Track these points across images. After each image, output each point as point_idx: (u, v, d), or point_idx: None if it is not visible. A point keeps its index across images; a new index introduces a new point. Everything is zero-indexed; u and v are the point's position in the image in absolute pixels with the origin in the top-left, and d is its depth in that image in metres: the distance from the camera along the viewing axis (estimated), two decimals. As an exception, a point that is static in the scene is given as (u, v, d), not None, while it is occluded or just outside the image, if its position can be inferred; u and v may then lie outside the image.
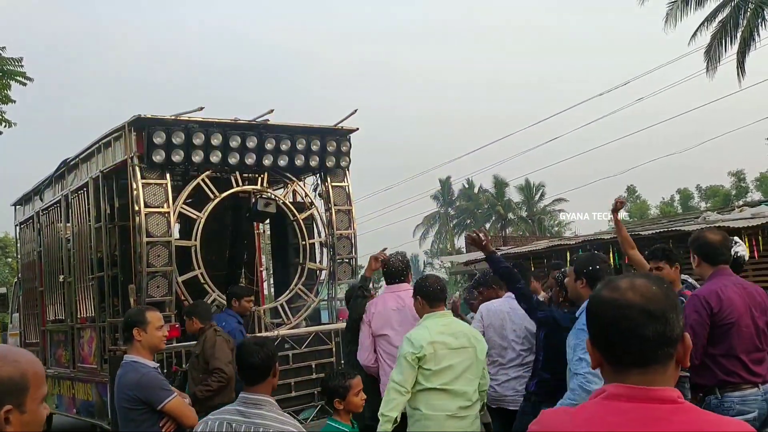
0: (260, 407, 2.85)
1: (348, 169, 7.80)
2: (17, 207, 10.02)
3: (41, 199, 8.97)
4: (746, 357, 3.65)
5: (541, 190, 53.98)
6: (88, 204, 7.41)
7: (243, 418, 2.81)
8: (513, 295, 4.43)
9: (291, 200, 7.84)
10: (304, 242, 7.60)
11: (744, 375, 3.65)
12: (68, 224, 8.05)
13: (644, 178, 70.96)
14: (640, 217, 45.62)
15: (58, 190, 8.37)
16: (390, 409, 3.81)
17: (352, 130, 7.67)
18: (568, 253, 16.25)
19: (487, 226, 52.47)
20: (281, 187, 7.92)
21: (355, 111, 7.48)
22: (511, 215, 53.36)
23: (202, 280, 6.89)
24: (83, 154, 7.57)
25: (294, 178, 7.63)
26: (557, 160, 51.73)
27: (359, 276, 7.10)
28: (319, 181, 7.83)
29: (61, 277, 8.17)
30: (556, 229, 53.04)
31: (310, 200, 7.78)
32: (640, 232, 16.17)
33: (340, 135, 7.60)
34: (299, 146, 7.29)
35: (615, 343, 1.43)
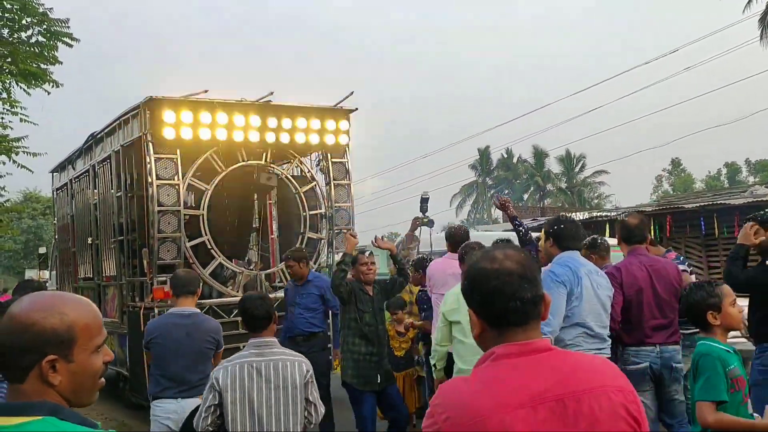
0: (272, 347, 3.55)
1: (348, 147, 8.35)
2: (54, 174, 10.94)
3: (74, 168, 9.82)
4: (645, 325, 4.37)
5: (581, 162, 53.48)
6: (111, 174, 8.17)
7: (261, 358, 3.47)
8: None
9: (295, 174, 8.45)
10: (305, 213, 8.23)
11: (642, 339, 4.40)
12: (95, 191, 8.86)
13: (690, 152, 69.20)
14: (683, 191, 44.84)
15: (87, 161, 9.18)
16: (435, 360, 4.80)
17: (351, 110, 8.21)
18: (606, 225, 16.40)
19: (525, 197, 52.36)
20: (286, 162, 8.53)
21: (352, 93, 8.03)
22: (550, 186, 53.07)
23: (209, 246, 7.60)
24: (107, 129, 8.32)
25: (296, 155, 8.23)
26: (599, 131, 50.71)
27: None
28: (321, 157, 8.41)
29: (90, 239, 9.03)
30: (596, 201, 52.55)
31: (311, 175, 8.38)
32: (684, 205, 16.13)
33: (339, 114, 8.16)
34: (300, 125, 7.87)
35: (500, 307, 1.59)
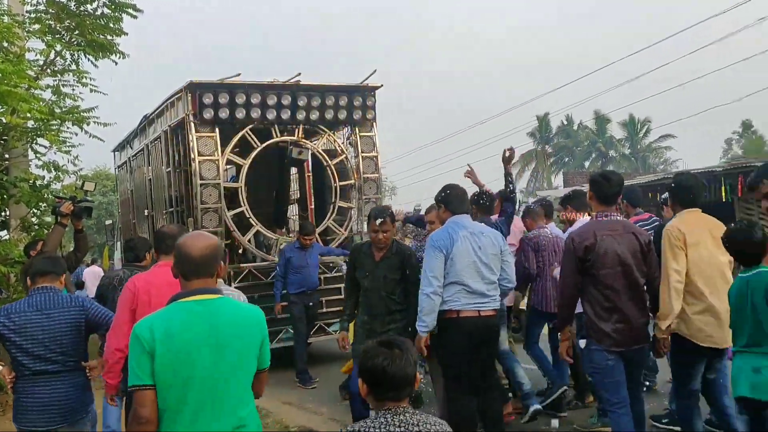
0: None
1: (375, 121, 8.92)
2: (115, 153, 11.97)
3: (131, 147, 10.78)
4: None
5: (646, 126, 52.09)
6: (162, 152, 9.02)
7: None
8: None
9: (327, 149, 9.09)
10: (335, 184, 8.89)
11: None
12: (149, 168, 9.76)
13: (763, 112, 65.83)
14: (756, 153, 43.16)
15: (142, 140, 10.08)
16: None
17: (376, 87, 8.76)
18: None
19: (586, 164, 51.54)
20: (318, 138, 9.17)
21: (375, 71, 8.57)
22: (612, 152, 52.00)
23: (248, 215, 8.37)
24: (157, 111, 9.16)
25: (326, 130, 8.85)
26: (663, 89, 48.29)
27: None
28: (350, 132, 9.02)
29: (146, 211, 9.97)
30: (662, 167, 51.15)
31: (341, 149, 9.00)
32: (756, 164, 15.69)
33: (365, 91, 8.72)
34: (328, 102, 8.49)
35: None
